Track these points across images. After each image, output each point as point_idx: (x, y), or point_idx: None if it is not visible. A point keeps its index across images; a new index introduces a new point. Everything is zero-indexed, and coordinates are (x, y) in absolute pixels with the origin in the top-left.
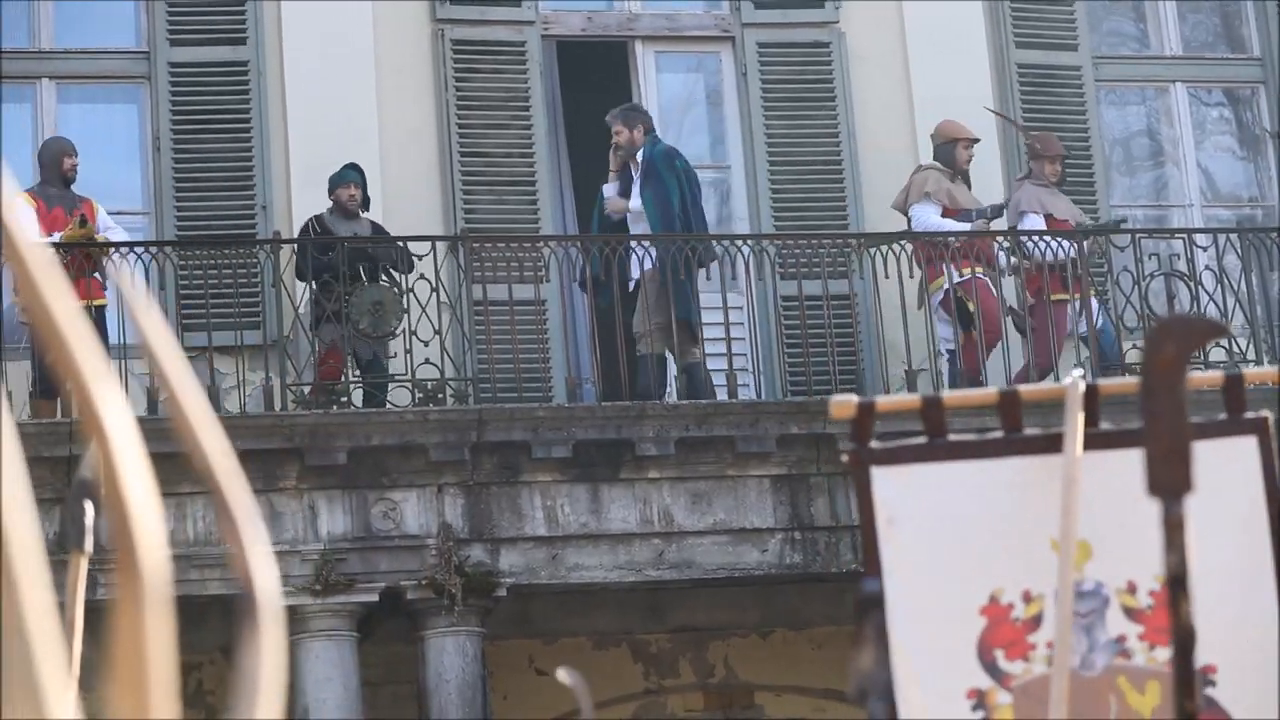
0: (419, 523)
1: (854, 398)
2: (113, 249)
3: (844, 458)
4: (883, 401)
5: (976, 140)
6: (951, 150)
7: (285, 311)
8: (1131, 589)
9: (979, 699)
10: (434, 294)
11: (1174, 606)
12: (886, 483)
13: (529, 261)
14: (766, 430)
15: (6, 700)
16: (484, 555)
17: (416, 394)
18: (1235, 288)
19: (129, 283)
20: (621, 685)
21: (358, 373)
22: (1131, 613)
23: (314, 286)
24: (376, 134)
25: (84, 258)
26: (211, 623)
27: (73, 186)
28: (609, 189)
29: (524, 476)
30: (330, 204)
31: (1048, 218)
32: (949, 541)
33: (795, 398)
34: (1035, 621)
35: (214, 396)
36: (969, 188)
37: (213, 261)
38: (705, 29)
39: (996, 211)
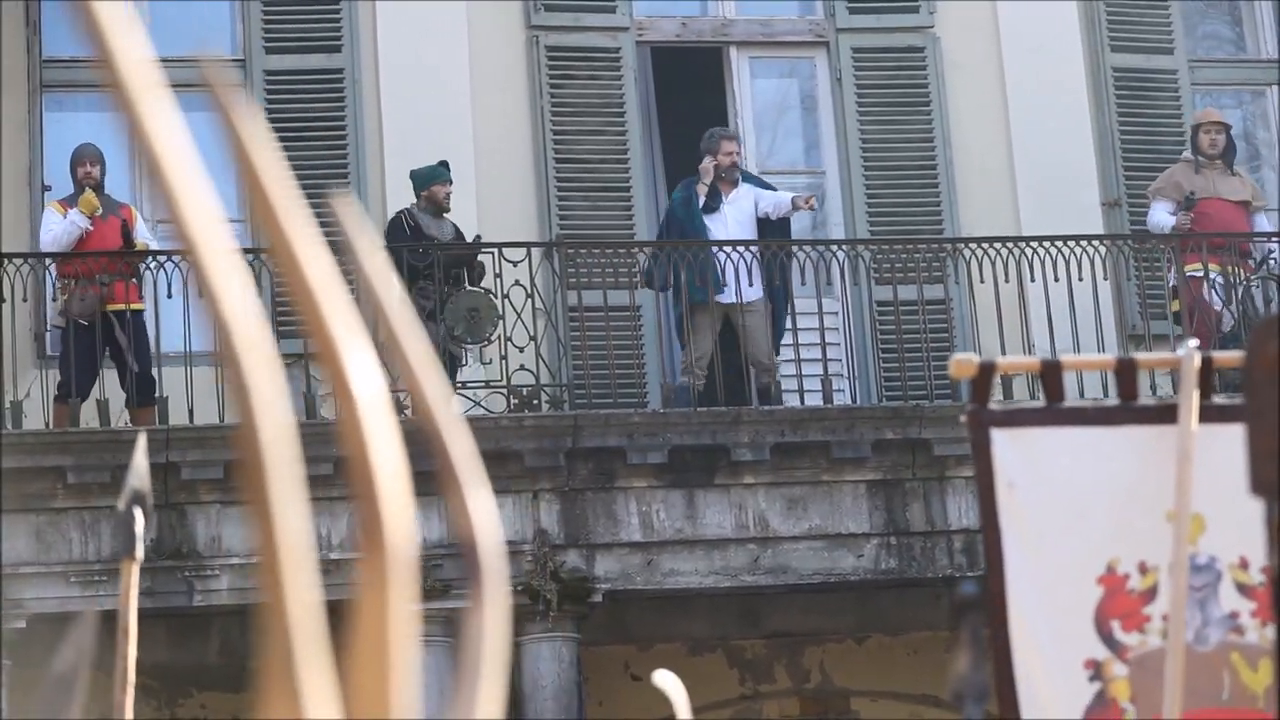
0: (514, 529)
1: (975, 356)
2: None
3: (963, 419)
4: (1003, 362)
5: (1223, 125)
6: (1195, 136)
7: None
8: (1244, 564)
9: (1095, 670)
10: (529, 300)
11: (1277, 609)
12: (1005, 446)
13: (623, 267)
14: (861, 435)
15: (267, 698)
16: (579, 561)
17: (512, 400)
18: None
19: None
20: (717, 691)
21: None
22: (1244, 589)
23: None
24: (471, 141)
25: (123, 263)
26: None
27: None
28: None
29: (619, 482)
30: (416, 200)
31: None
32: (1066, 508)
33: (890, 403)
34: (1151, 593)
35: (309, 404)
36: (1230, 171)
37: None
38: (799, 34)
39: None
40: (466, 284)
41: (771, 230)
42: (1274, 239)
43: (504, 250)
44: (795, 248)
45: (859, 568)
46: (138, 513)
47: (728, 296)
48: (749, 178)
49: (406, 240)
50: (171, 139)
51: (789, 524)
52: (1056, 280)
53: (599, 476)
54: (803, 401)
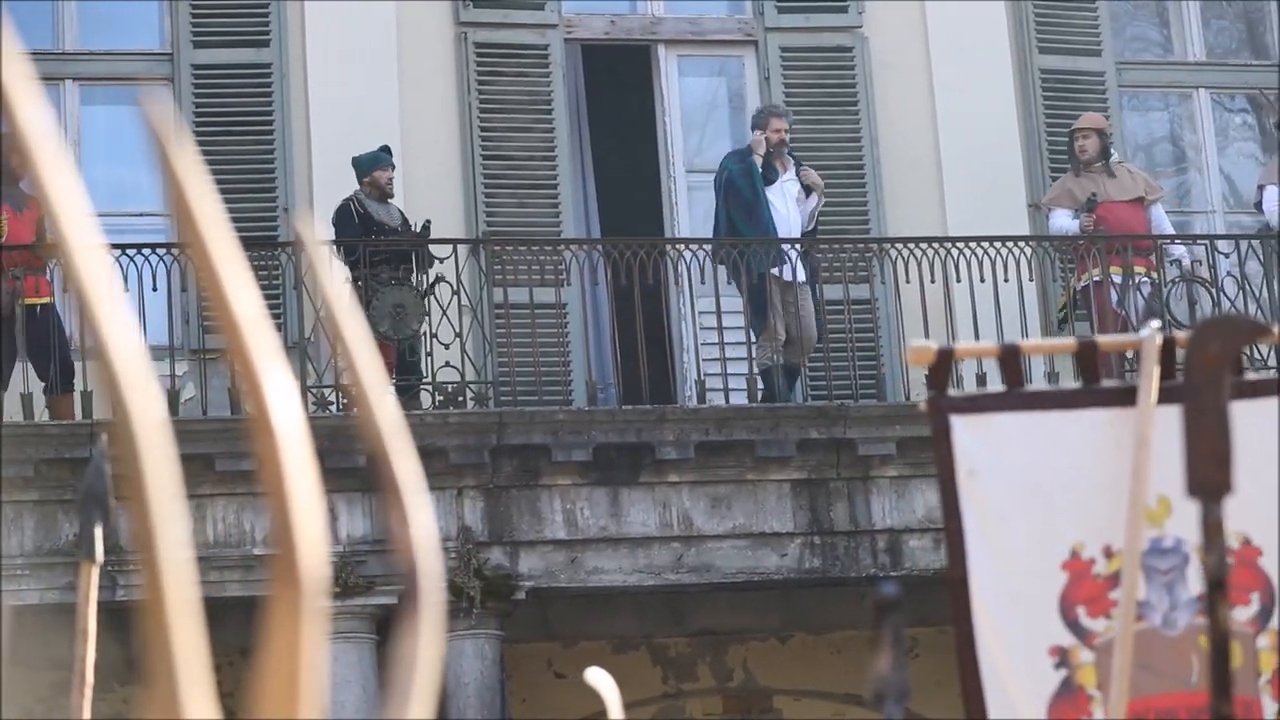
0: (438, 525)
1: (933, 343)
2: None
3: (922, 405)
4: (961, 347)
5: (1092, 128)
6: (1070, 144)
7: (306, 313)
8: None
9: (1061, 657)
10: (455, 297)
11: (1213, 608)
12: (965, 432)
13: (550, 265)
14: (786, 435)
15: (148, 700)
16: (503, 558)
17: (437, 397)
18: (1257, 294)
19: (325, 264)
20: (640, 689)
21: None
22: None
23: (357, 280)
24: (399, 137)
25: (33, 256)
26: (230, 624)
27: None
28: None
29: (543, 480)
30: (359, 186)
31: None
32: (1029, 494)
33: (815, 402)
34: (1116, 578)
35: (234, 399)
36: (1110, 174)
37: None
38: (728, 33)
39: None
40: (415, 270)
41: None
42: (1193, 239)
43: (430, 246)
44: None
45: (783, 567)
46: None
47: (786, 274)
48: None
49: (355, 227)
50: (42, 134)
51: (713, 523)
52: (982, 281)
53: (523, 474)
54: (728, 400)
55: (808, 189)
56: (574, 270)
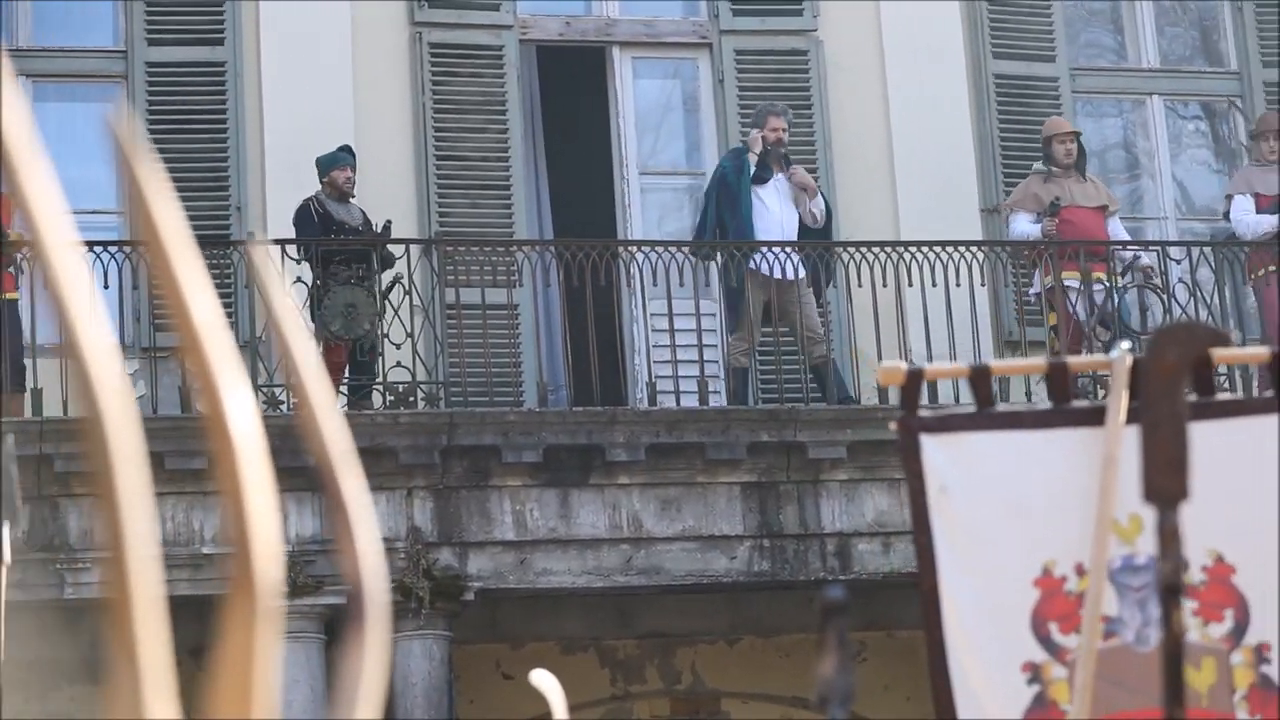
0: (388, 525)
1: (902, 364)
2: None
3: (892, 425)
4: (931, 368)
5: (1076, 133)
6: (1048, 147)
7: (258, 312)
8: (1184, 565)
9: (1034, 673)
10: (407, 297)
11: (1166, 615)
12: (936, 451)
13: (502, 266)
14: (737, 437)
15: (110, 699)
16: (452, 559)
17: (388, 397)
18: (1208, 301)
19: (271, 272)
20: (588, 691)
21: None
22: (1185, 588)
23: (315, 279)
24: (352, 136)
25: None
26: (179, 624)
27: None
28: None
29: (493, 481)
30: (320, 186)
31: (1257, 197)
32: (1001, 511)
33: (766, 405)
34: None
35: (185, 398)
36: (1082, 178)
37: None
38: (683, 35)
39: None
40: (374, 270)
41: (812, 236)
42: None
43: (389, 246)
44: (676, 249)
45: (732, 569)
46: (4, 515)
47: (774, 272)
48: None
49: (315, 226)
50: (19, 132)
51: (663, 525)
52: (934, 285)
53: (473, 474)
54: (678, 402)
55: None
56: (526, 271)
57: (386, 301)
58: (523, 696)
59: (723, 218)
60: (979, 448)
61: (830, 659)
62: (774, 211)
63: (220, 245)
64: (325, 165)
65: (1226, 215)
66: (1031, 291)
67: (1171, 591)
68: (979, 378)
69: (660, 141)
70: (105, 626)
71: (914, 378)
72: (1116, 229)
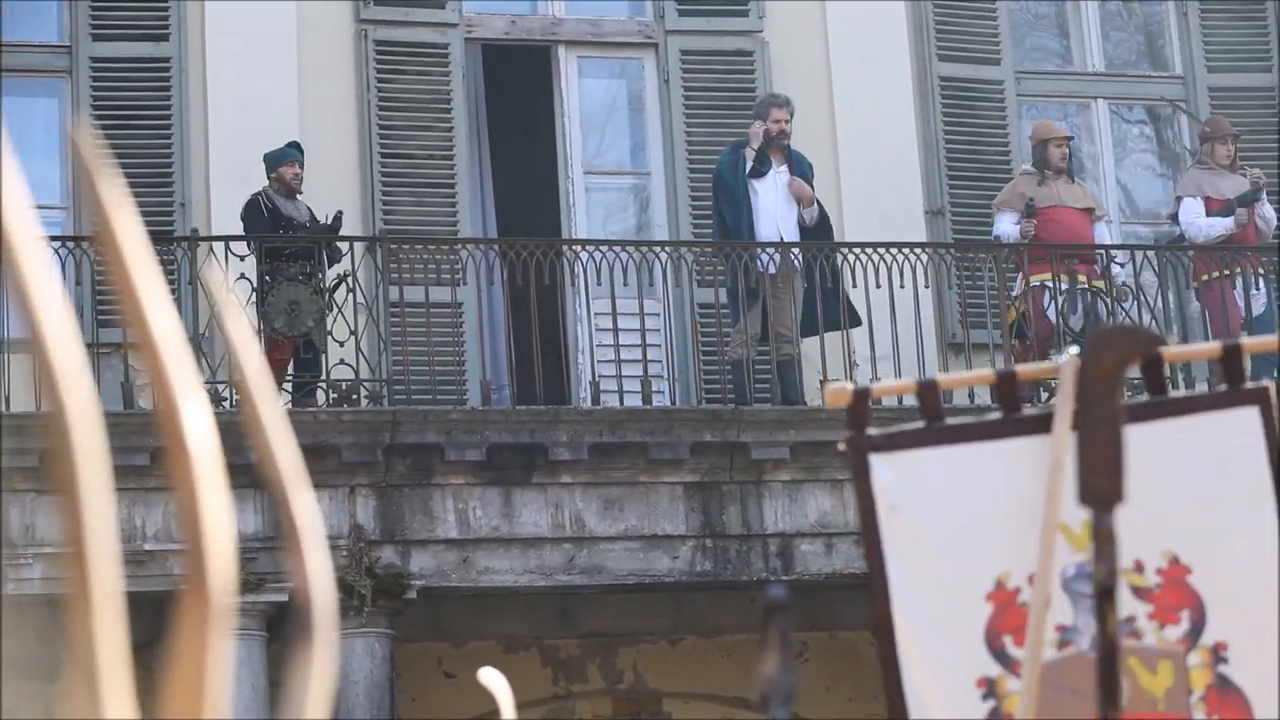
0: (330, 523)
1: (849, 384)
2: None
3: (841, 446)
4: (878, 387)
5: (1069, 138)
6: (1043, 151)
7: (201, 309)
8: (1139, 568)
9: (989, 688)
10: (351, 295)
11: (1101, 619)
12: (885, 469)
13: (446, 264)
14: (680, 437)
15: (68, 697)
16: (395, 557)
17: (331, 394)
18: (1152, 305)
19: (220, 281)
20: (530, 690)
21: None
22: (1140, 592)
23: (263, 275)
24: (297, 134)
25: None
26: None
27: None
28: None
29: (436, 479)
30: (268, 182)
31: (1207, 200)
32: (952, 527)
33: (709, 405)
34: None
35: (128, 394)
36: (1071, 181)
37: None
38: (629, 35)
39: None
40: (321, 266)
41: (812, 235)
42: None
43: (327, 244)
44: (620, 248)
45: (674, 569)
46: None
47: (769, 265)
48: (799, 160)
49: (264, 221)
50: None
51: (605, 524)
52: (879, 287)
53: (416, 473)
54: (622, 402)
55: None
56: (470, 270)
57: (331, 299)
58: (465, 695)
59: (722, 214)
60: (928, 464)
61: (772, 658)
62: (770, 206)
63: (164, 241)
64: (274, 161)
65: (1174, 217)
66: (1014, 293)
67: (1105, 594)
68: (926, 392)
69: (605, 141)
70: (63, 622)
71: (860, 397)
72: (1102, 235)
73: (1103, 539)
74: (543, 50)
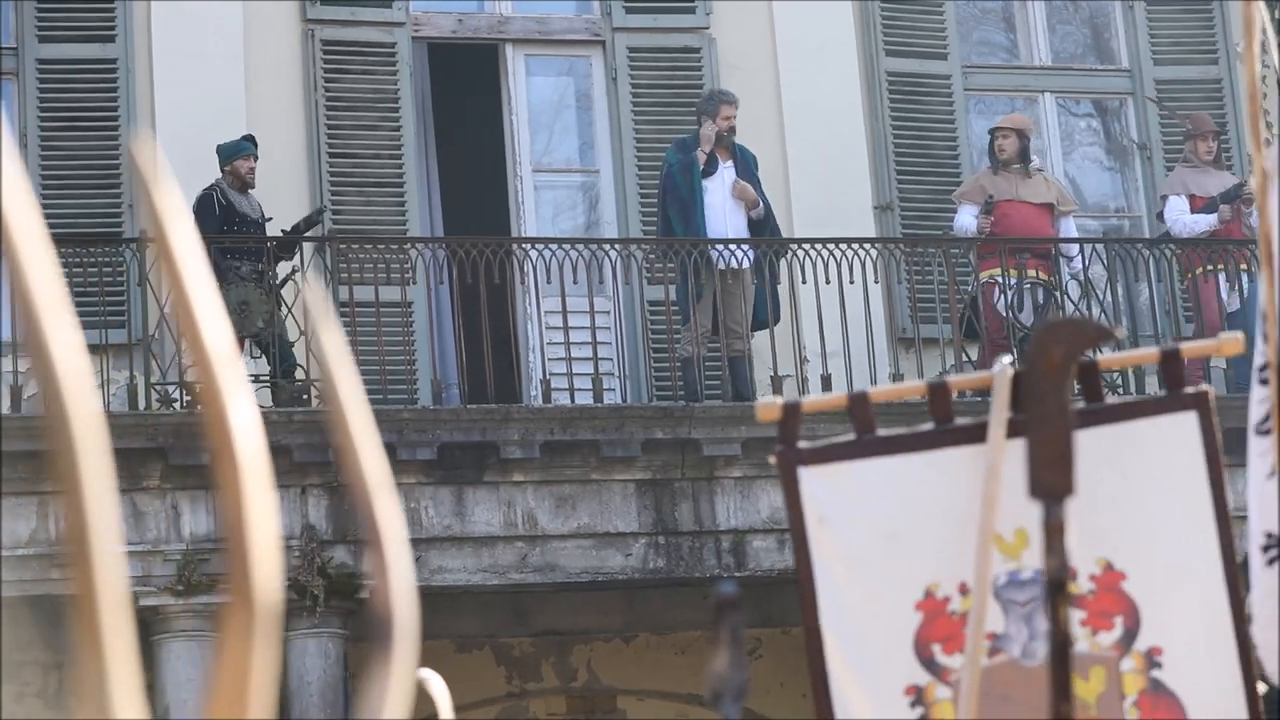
0: (282, 523)
1: (779, 399)
2: None
3: (771, 459)
4: (809, 402)
5: (1012, 128)
6: (990, 143)
7: (151, 310)
8: (1072, 575)
9: (917, 695)
10: (300, 294)
11: (1053, 612)
12: (815, 482)
13: (395, 263)
14: (631, 435)
15: (78, 700)
16: (347, 557)
17: (280, 395)
18: (1101, 298)
19: (315, 294)
20: (483, 689)
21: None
22: (1073, 599)
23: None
24: (245, 133)
25: None
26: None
27: None
28: (728, 175)
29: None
30: (221, 175)
31: (1192, 198)
32: (881, 537)
33: (660, 403)
34: None
35: (13, 395)
36: (1026, 174)
37: (78, 259)
38: (576, 33)
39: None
40: (271, 262)
41: (759, 228)
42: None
43: (276, 244)
44: (570, 246)
45: (627, 567)
46: None
47: (720, 262)
48: (745, 156)
49: (216, 217)
50: None
51: (558, 522)
52: (828, 282)
53: None
54: (573, 400)
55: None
56: (420, 269)
57: (278, 294)
58: (419, 695)
59: (670, 219)
60: (858, 476)
61: (723, 655)
62: (719, 204)
63: (113, 243)
64: (228, 153)
65: (1160, 216)
66: (969, 288)
67: (1057, 587)
68: (857, 405)
69: (553, 139)
70: (71, 624)
71: (790, 412)
72: (1068, 228)
73: (1053, 532)
74: (490, 49)
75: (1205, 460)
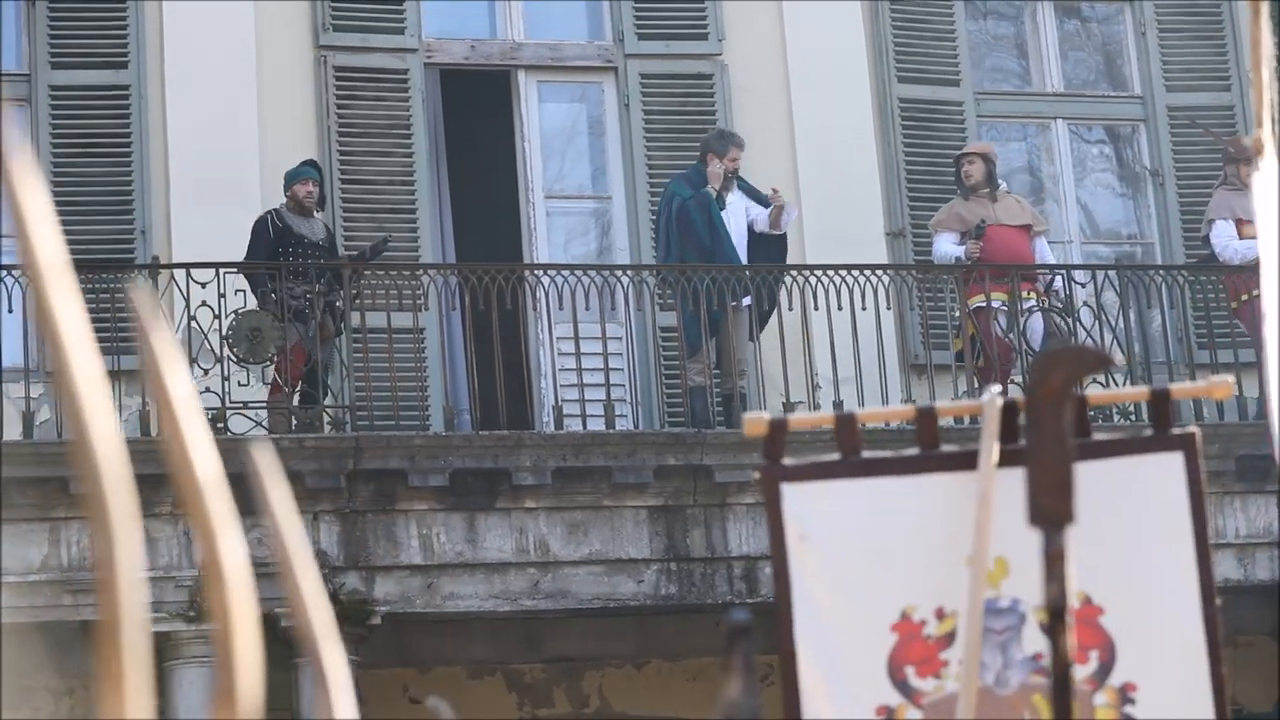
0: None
1: (766, 414)
2: None
3: (755, 475)
4: (795, 418)
5: (978, 153)
6: (957, 169)
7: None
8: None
9: (888, 716)
10: (312, 321)
11: (1053, 639)
12: (797, 499)
13: (408, 289)
14: (643, 461)
15: (99, 700)
16: (359, 583)
17: (293, 420)
18: (1113, 325)
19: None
20: (495, 715)
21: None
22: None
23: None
24: (257, 160)
25: None
26: (84, 648)
27: None
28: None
29: (400, 505)
30: (285, 200)
31: (1237, 222)
32: (861, 557)
33: (673, 429)
34: (948, 639)
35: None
36: (994, 197)
37: (91, 285)
38: (588, 59)
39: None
40: (332, 287)
41: (766, 245)
42: (1061, 269)
43: (286, 271)
44: (581, 273)
45: (639, 593)
46: None
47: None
48: (742, 184)
49: (269, 241)
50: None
51: (569, 548)
52: (840, 309)
53: (379, 498)
54: (585, 426)
55: (769, 205)
56: (432, 295)
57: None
58: None
59: (682, 249)
60: (841, 495)
61: (735, 682)
62: (735, 238)
63: (125, 269)
64: (288, 178)
65: (1206, 239)
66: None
67: (1057, 615)
68: (844, 426)
69: (566, 165)
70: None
71: (776, 428)
72: (1042, 249)
73: (1054, 560)
74: (502, 75)
75: (1189, 502)
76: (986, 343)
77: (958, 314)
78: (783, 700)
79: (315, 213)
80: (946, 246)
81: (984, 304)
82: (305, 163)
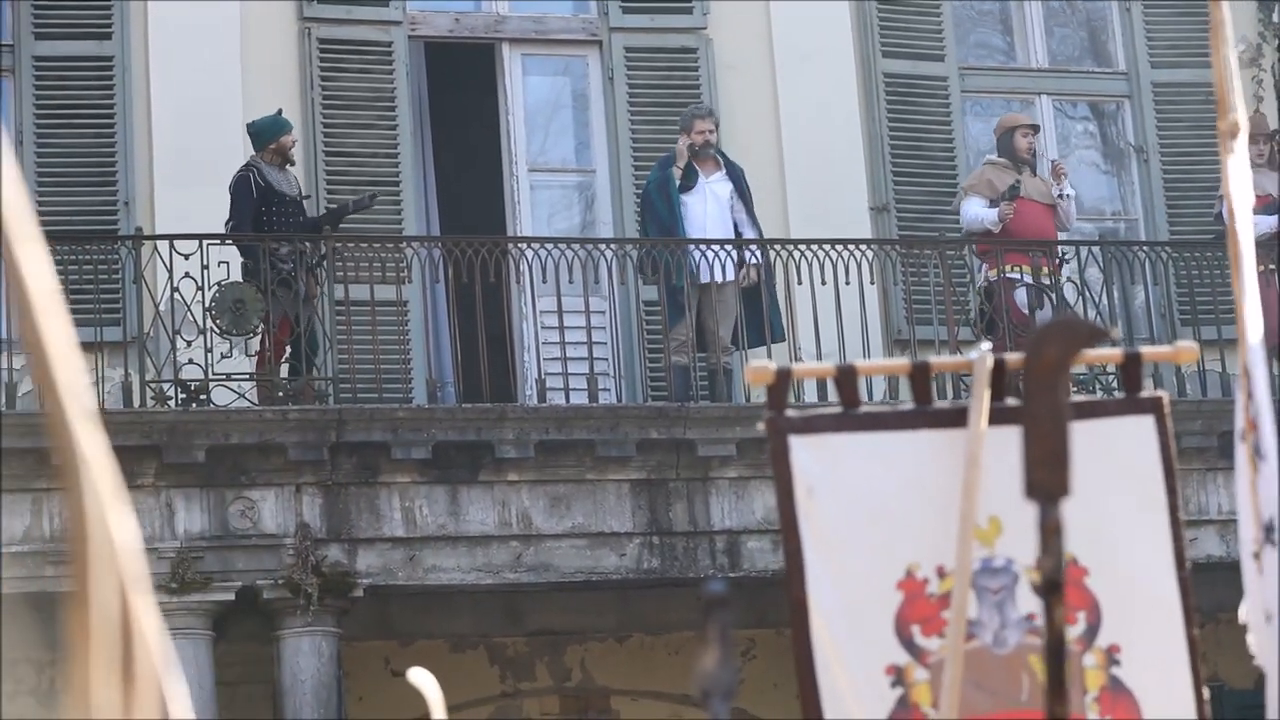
0: (276, 522)
1: (771, 363)
2: None
3: (760, 425)
4: (799, 368)
5: (1036, 126)
6: (1010, 140)
7: (145, 308)
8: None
9: (897, 675)
10: (296, 293)
11: (1049, 611)
12: (804, 452)
13: (391, 262)
14: (626, 435)
15: (68, 687)
16: (341, 555)
17: (276, 393)
18: (1097, 301)
19: (38, 279)
20: (478, 688)
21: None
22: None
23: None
24: (240, 131)
25: None
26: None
27: None
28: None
29: (382, 477)
30: (259, 153)
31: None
32: (865, 514)
33: (656, 403)
34: (949, 597)
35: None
36: (1033, 173)
37: (74, 257)
38: (572, 32)
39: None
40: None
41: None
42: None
43: (271, 243)
44: (564, 246)
45: (621, 567)
46: None
47: (704, 276)
48: (741, 188)
49: (253, 199)
50: None
51: (552, 522)
52: (824, 283)
53: (362, 471)
54: (568, 400)
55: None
56: (415, 268)
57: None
58: (412, 694)
59: (647, 232)
60: (844, 449)
61: (712, 653)
62: (700, 218)
63: (108, 240)
64: (272, 131)
65: (1219, 216)
66: (979, 284)
67: (1053, 587)
68: (845, 378)
69: (550, 139)
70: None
71: (782, 377)
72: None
73: (1049, 532)
74: (487, 48)
75: (1162, 465)
76: (998, 315)
77: (956, 288)
78: (795, 658)
79: (290, 164)
80: (976, 209)
81: (1011, 274)
82: (279, 112)
